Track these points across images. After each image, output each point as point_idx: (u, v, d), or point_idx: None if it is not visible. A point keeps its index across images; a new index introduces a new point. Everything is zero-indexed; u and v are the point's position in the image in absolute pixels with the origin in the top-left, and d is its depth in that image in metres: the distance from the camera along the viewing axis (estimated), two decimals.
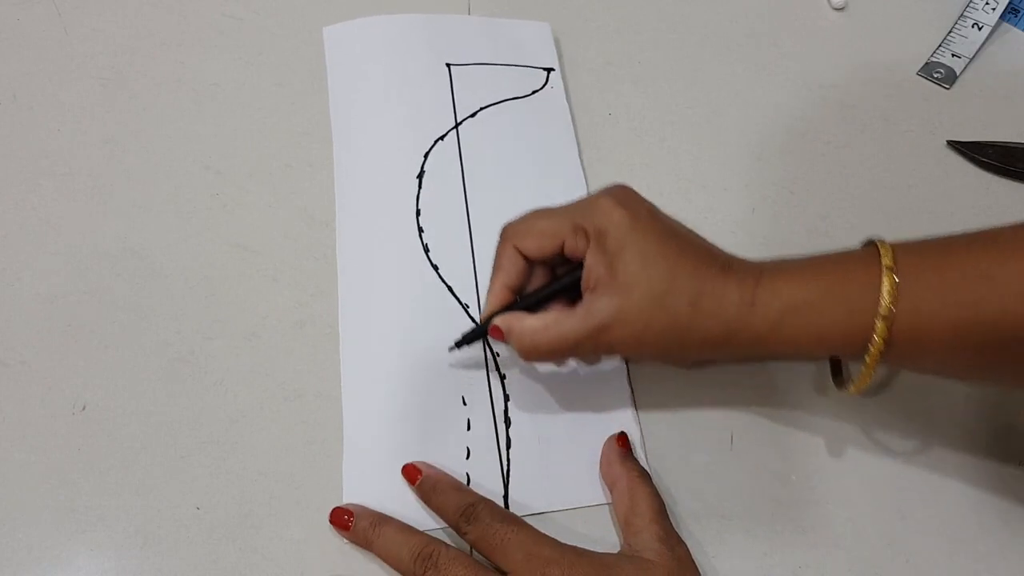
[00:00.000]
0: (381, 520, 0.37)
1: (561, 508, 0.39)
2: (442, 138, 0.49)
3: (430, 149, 0.48)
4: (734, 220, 0.49)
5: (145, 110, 0.49)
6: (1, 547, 0.37)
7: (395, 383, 0.42)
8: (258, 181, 0.47)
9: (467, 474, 0.40)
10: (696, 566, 0.35)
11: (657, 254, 0.36)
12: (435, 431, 0.41)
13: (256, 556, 0.37)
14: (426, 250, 0.45)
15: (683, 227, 0.38)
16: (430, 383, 0.42)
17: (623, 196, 0.37)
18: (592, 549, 0.35)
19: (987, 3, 0.57)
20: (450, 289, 0.44)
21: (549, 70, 0.53)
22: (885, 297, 0.33)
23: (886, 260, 0.34)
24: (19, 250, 0.44)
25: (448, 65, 0.52)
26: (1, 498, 0.38)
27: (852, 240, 0.37)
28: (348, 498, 0.38)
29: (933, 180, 0.51)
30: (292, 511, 0.38)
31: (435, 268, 0.45)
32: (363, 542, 0.37)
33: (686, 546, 0.36)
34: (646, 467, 0.39)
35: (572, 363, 0.42)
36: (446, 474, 0.39)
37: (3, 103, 0.49)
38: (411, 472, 0.38)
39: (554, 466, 0.40)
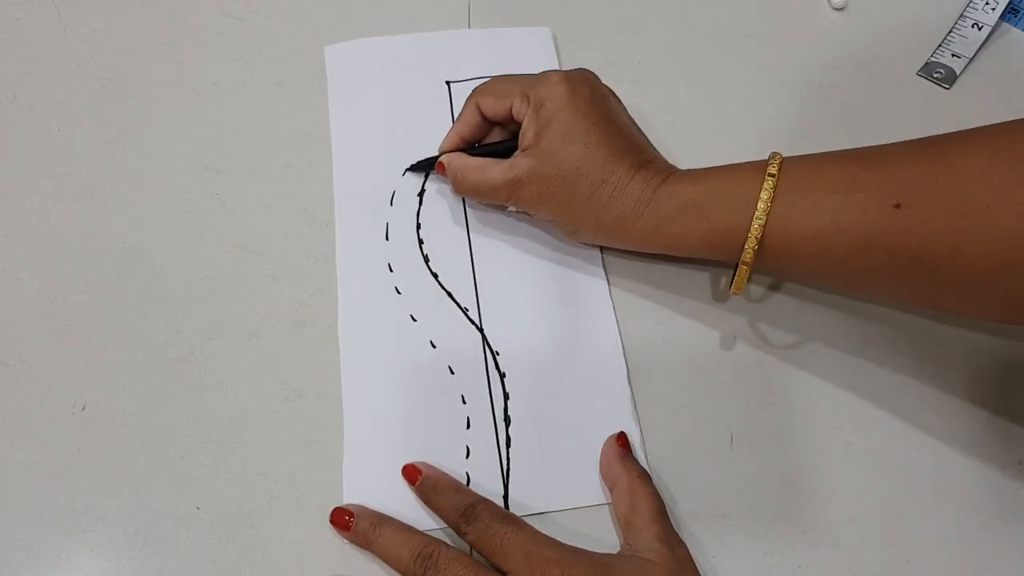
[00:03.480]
0: (381, 520, 0.37)
1: (561, 508, 0.39)
2: None
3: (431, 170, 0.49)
4: None
5: (145, 110, 0.49)
6: (1, 547, 0.37)
7: (395, 383, 0.42)
8: (258, 181, 0.47)
9: (467, 474, 0.40)
10: (696, 566, 0.35)
11: (578, 135, 0.40)
12: (435, 430, 0.41)
13: (256, 556, 0.37)
14: (426, 260, 0.45)
15: (625, 120, 0.42)
16: (430, 382, 0.42)
17: (575, 76, 0.42)
18: (592, 549, 0.35)
19: (987, 3, 0.57)
20: (450, 295, 0.44)
21: None
22: (762, 200, 0.36)
23: (771, 168, 0.37)
24: (19, 250, 0.44)
25: (448, 83, 0.52)
26: (1, 498, 0.38)
27: None
28: (348, 498, 0.39)
29: None
30: (292, 511, 0.38)
31: (435, 276, 0.45)
32: (363, 542, 0.37)
33: (686, 546, 0.36)
34: (646, 467, 0.39)
35: (567, 356, 0.43)
36: (446, 474, 0.39)
37: (3, 103, 0.49)
38: (411, 472, 0.39)
39: (554, 466, 0.40)
